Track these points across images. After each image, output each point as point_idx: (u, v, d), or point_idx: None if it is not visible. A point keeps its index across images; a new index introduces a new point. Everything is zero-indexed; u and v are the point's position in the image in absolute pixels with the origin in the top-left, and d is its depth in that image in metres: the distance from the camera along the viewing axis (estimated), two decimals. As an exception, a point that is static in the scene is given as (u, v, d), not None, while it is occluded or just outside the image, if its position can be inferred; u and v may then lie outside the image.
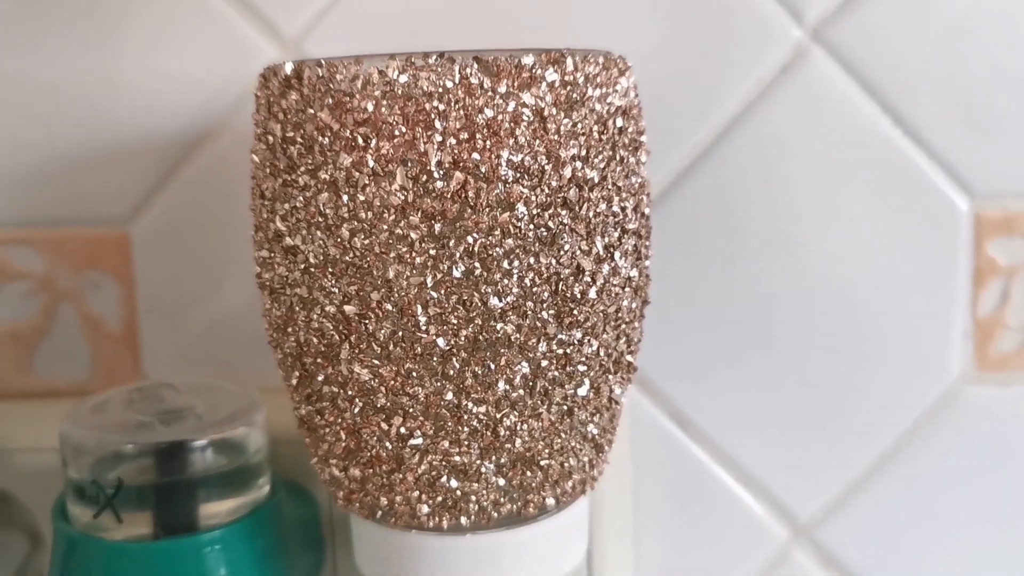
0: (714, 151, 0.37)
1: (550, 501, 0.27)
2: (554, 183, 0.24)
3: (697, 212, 0.37)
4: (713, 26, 0.36)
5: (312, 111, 0.24)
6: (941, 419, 0.38)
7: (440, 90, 0.23)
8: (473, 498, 0.26)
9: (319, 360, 0.25)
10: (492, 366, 0.24)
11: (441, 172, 0.23)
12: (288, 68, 0.25)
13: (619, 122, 0.25)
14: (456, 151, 0.23)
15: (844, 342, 0.38)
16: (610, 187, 0.25)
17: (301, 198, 0.24)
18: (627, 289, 0.26)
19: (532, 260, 0.24)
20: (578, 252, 0.24)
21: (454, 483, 0.25)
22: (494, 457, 0.25)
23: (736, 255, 0.38)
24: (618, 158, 0.25)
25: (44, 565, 0.38)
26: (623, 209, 0.25)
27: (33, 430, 0.37)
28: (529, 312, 0.24)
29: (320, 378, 0.25)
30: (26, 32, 0.36)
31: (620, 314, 0.26)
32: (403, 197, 0.23)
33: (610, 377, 0.26)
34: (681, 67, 0.36)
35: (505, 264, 0.24)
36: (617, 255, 0.25)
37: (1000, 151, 0.37)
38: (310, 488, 0.36)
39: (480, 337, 0.24)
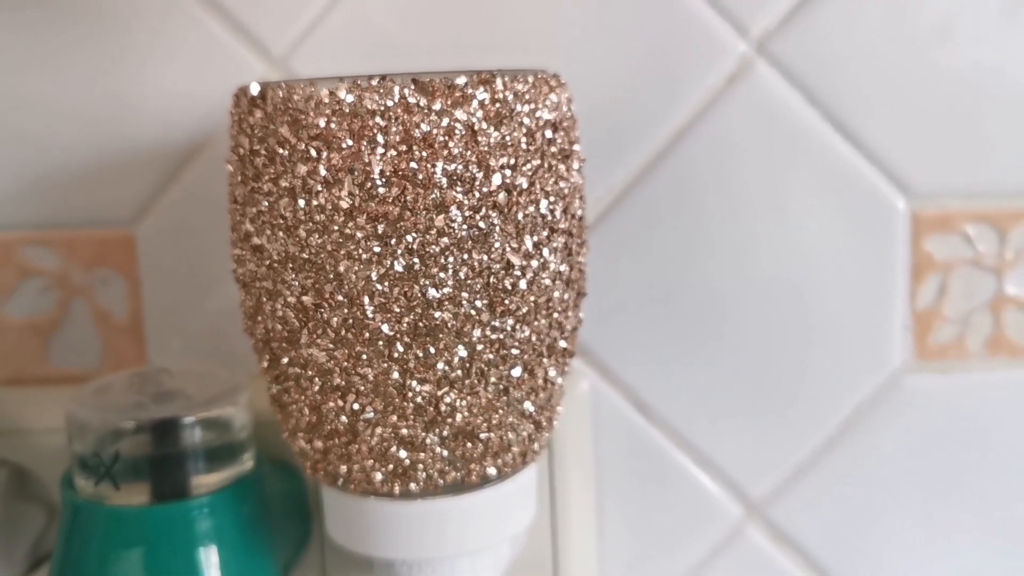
0: (669, 155, 0.40)
1: (491, 471, 0.30)
2: (485, 189, 0.27)
3: (655, 211, 0.40)
4: (665, 41, 0.39)
5: (274, 127, 0.27)
6: (883, 405, 0.41)
7: (382, 108, 0.26)
8: (420, 467, 0.29)
9: (283, 344, 0.29)
10: (432, 349, 0.27)
11: (383, 180, 0.26)
12: (255, 89, 0.28)
13: (548, 134, 0.28)
14: (396, 162, 0.26)
15: (792, 333, 0.41)
16: (538, 192, 0.28)
17: (266, 203, 0.28)
18: (558, 282, 0.29)
19: (465, 256, 0.27)
20: (508, 249, 0.28)
21: (403, 453, 0.29)
22: (437, 430, 0.28)
23: (692, 252, 0.40)
24: (547, 166, 0.28)
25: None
26: (552, 211, 0.29)
27: (49, 413, 0.41)
28: (464, 302, 0.27)
29: (285, 360, 0.29)
30: (38, 56, 0.40)
31: (551, 304, 0.29)
32: (350, 202, 0.27)
33: (544, 360, 0.30)
34: (636, 79, 0.39)
35: (441, 260, 0.27)
36: (546, 251, 0.28)
37: (936, 153, 0.39)
38: (296, 466, 0.40)
39: (420, 324, 0.27)
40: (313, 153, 0.27)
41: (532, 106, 0.28)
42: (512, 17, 0.39)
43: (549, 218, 0.29)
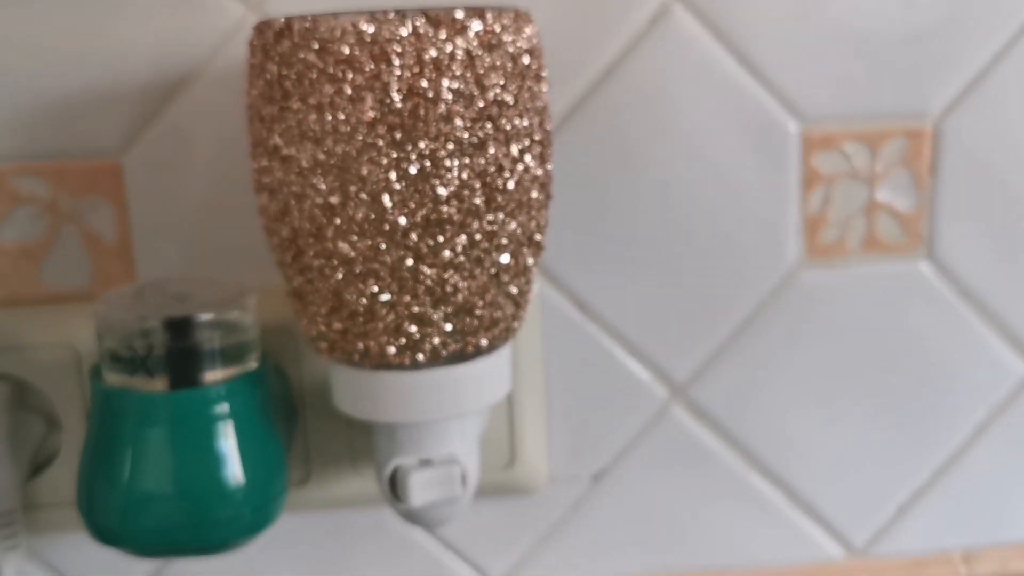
0: (601, 86, 0.46)
1: (483, 342, 0.36)
2: (481, 104, 0.33)
3: (591, 136, 0.46)
4: (597, -13, 0.45)
5: (302, 54, 0.32)
6: (782, 295, 0.49)
7: (397, 37, 0.32)
8: (427, 340, 0.35)
9: (310, 240, 0.34)
10: (440, 239, 0.33)
11: (399, 96, 0.32)
12: (280, 23, 0.33)
13: (526, 60, 0.34)
14: (410, 81, 0.32)
15: (705, 237, 0.48)
16: (521, 107, 0.34)
17: (294, 119, 0.33)
18: (535, 183, 0.35)
19: (467, 160, 0.33)
20: (500, 155, 0.34)
21: (413, 328, 0.34)
22: (443, 307, 0.34)
23: (622, 172, 0.47)
24: (526, 86, 0.34)
25: (59, 444, 0.45)
26: (531, 124, 0.35)
27: (44, 330, 0.45)
28: (466, 198, 0.33)
29: (311, 253, 0.34)
30: (27, -5, 0.43)
31: (531, 203, 0.35)
32: (372, 115, 0.32)
33: (525, 250, 0.36)
34: (572, 21, 0.45)
35: (447, 163, 0.33)
36: (528, 157, 0.35)
37: (822, 84, 0.47)
38: (285, 370, 0.45)
39: (431, 217, 0.33)
40: (339, 75, 0.32)
41: (513, 36, 0.34)
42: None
43: (529, 129, 0.35)
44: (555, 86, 0.45)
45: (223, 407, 0.38)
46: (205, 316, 0.38)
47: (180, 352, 0.38)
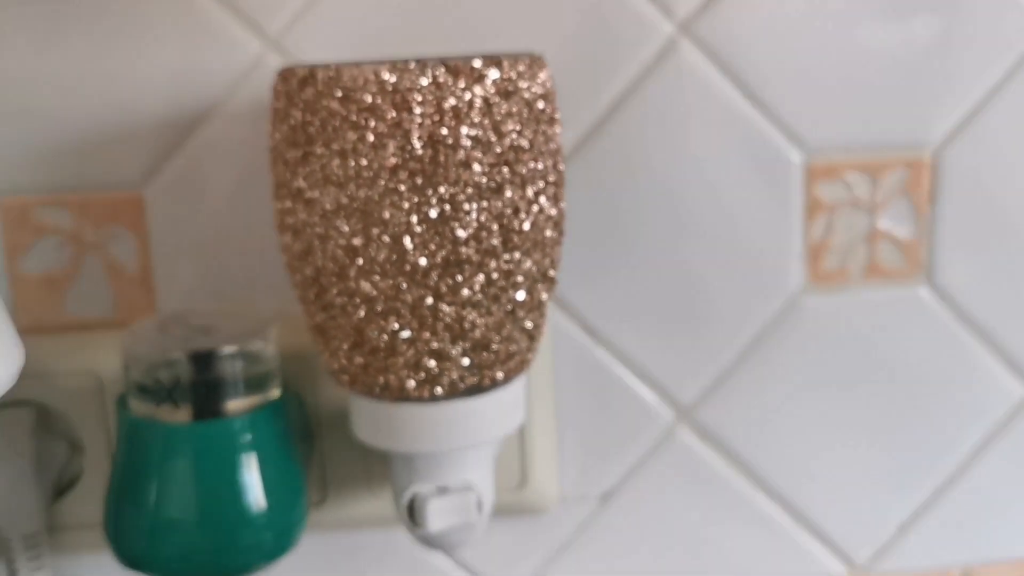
0: (609, 121, 0.47)
1: (499, 375, 0.37)
2: (498, 150, 0.34)
3: (601, 168, 0.47)
4: (604, 25, 0.46)
5: (325, 102, 0.33)
6: (786, 320, 0.50)
7: (418, 86, 0.33)
8: (446, 374, 0.36)
9: (333, 279, 0.35)
10: (459, 278, 0.35)
11: (420, 143, 0.33)
12: (304, 71, 0.34)
13: (540, 104, 0.36)
14: (430, 128, 0.33)
15: (712, 263, 0.49)
16: (536, 151, 0.35)
17: (318, 164, 0.34)
18: (549, 223, 0.37)
19: (485, 203, 0.34)
20: (516, 197, 0.35)
21: (432, 363, 0.36)
22: (461, 343, 0.36)
23: (631, 202, 0.48)
24: (541, 130, 0.36)
25: (82, 468, 0.47)
26: (545, 166, 0.36)
27: (67, 357, 0.46)
28: (483, 239, 0.34)
29: (334, 292, 0.35)
30: (48, 37, 0.44)
31: (545, 241, 0.37)
32: (394, 161, 0.33)
33: (539, 286, 0.37)
34: (583, 55, 0.47)
35: (466, 206, 0.34)
36: (542, 199, 0.36)
37: (824, 116, 0.48)
38: (303, 394, 0.46)
39: (450, 258, 0.34)
40: (362, 122, 0.33)
41: (529, 83, 0.35)
42: (478, 3, 0.45)
43: (543, 172, 0.36)
44: (566, 118, 0.47)
45: (246, 437, 0.40)
46: (228, 349, 0.40)
47: (204, 384, 0.39)
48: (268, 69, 0.45)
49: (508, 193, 0.34)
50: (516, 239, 0.35)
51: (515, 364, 0.37)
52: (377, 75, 0.33)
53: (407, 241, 0.34)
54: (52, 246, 0.47)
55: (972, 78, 0.48)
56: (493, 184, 0.34)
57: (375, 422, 0.38)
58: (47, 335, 0.47)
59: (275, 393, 0.42)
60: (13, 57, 0.44)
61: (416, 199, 0.33)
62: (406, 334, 0.35)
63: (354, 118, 0.33)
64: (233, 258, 0.47)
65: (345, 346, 0.36)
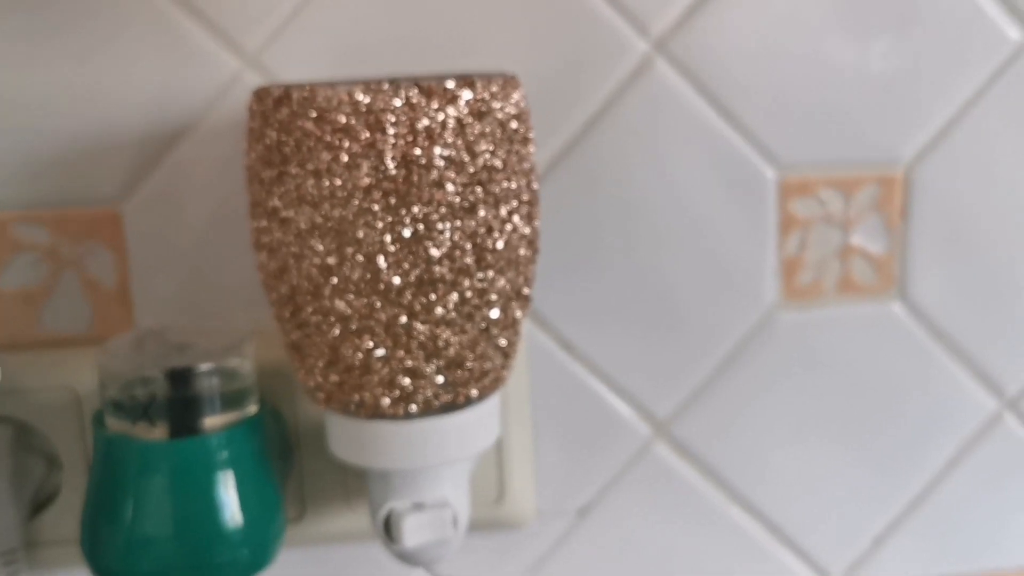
0: (583, 138, 0.48)
1: (474, 393, 0.37)
2: (471, 170, 0.34)
3: (575, 184, 0.48)
4: (580, 42, 0.47)
5: (300, 122, 0.34)
6: (760, 335, 0.51)
7: (391, 107, 0.33)
8: (420, 392, 0.36)
9: (308, 297, 0.35)
10: (433, 297, 0.35)
11: (394, 163, 0.33)
12: (279, 91, 0.34)
13: (513, 124, 0.36)
14: (403, 149, 0.33)
15: (686, 279, 0.50)
16: (509, 171, 0.36)
17: (293, 183, 0.34)
18: (523, 241, 0.37)
19: (458, 223, 0.35)
20: (490, 217, 0.35)
21: (406, 381, 0.36)
22: (435, 361, 0.36)
23: (605, 218, 0.49)
24: (514, 150, 0.36)
25: (60, 483, 0.47)
26: (519, 186, 0.36)
27: (45, 373, 0.46)
28: (457, 258, 0.35)
29: (309, 310, 0.36)
30: (25, 54, 0.44)
31: (519, 259, 0.37)
32: (367, 181, 0.34)
33: (513, 304, 0.37)
34: (557, 73, 0.47)
35: (439, 226, 0.34)
36: (516, 218, 0.36)
37: (798, 133, 0.49)
38: (281, 410, 0.46)
39: (424, 277, 0.35)
40: (336, 143, 0.33)
41: (502, 103, 0.36)
42: (454, 21, 0.46)
43: (517, 191, 0.36)
44: (541, 135, 0.47)
45: (223, 454, 0.40)
46: (205, 366, 0.40)
47: (181, 401, 0.39)
48: (246, 86, 0.45)
49: (481, 212, 0.35)
50: (490, 258, 0.35)
51: (489, 382, 0.38)
52: (351, 96, 0.33)
53: (381, 260, 0.34)
54: (29, 262, 0.47)
55: (943, 96, 0.49)
56: (466, 204, 0.34)
57: (351, 439, 0.38)
58: (24, 351, 0.47)
59: (252, 409, 0.42)
60: (-10, 74, 0.45)
61: (390, 219, 0.34)
62: (380, 352, 0.35)
63: (328, 138, 0.33)
64: (211, 274, 0.47)
65: (320, 364, 0.36)
